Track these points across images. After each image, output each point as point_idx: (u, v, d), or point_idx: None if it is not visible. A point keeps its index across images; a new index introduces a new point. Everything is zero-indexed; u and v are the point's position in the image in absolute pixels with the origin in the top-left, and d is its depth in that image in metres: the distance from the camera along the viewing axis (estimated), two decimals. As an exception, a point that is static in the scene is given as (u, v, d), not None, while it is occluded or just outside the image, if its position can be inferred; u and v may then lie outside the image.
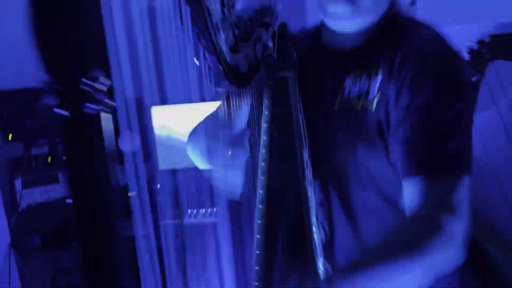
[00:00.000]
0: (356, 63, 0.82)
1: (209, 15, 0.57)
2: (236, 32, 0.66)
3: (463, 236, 0.67)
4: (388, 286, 0.64)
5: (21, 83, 2.32)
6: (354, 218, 0.84)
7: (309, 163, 0.80)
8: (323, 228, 0.84)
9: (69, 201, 1.91)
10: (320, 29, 0.90)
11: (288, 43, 0.86)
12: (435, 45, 0.77)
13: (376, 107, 0.77)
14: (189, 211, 2.01)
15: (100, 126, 0.42)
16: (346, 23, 0.80)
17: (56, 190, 2.22)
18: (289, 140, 0.81)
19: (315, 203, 0.79)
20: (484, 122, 1.88)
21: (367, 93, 0.78)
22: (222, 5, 0.61)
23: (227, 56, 0.64)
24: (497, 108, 1.88)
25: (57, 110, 0.41)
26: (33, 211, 2.11)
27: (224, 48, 0.62)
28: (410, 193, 0.71)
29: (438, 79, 0.74)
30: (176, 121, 2.02)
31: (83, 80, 0.39)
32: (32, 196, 2.15)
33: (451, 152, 0.71)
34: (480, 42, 1.75)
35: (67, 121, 0.41)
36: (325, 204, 0.84)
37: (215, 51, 0.60)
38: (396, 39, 0.80)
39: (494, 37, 1.74)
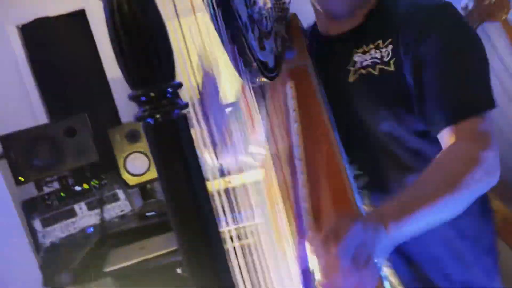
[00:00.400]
0: (361, 39, 0.86)
1: (239, 16, 0.60)
2: (260, 29, 0.68)
3: (497, 163, 0.73)
4: (432, 220, 0.68)
5: (20, 125, 2.35)
6: (389, 191, 0.87)
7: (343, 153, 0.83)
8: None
9: (89, 230, 1.90)
10: (315, 25, 0.96)
11: (300, 33, 0.89)
12: (437, 1, 0.83)
13: (395, 67, 0.81)
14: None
15: (189, 130, 0.45)
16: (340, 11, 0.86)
17: (75, 223, 2.23)
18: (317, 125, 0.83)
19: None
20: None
21: (382, 58, 0.83)
22: (246, 5, 0.64)
23: (258, 53, 0.67)
24: (492, 69, 1.93)
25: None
26: (58, 248, 2.12)
27: (255, 45, 0.65)
28: (444, 140, 0.76)
29: (447, 30, 0.79)
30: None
31: (171, 88, 0.42)
32: (53, 233, 2.16)
33: (473, 94, 0.77)
34: (465, 8, 1.80)
35: (155, 127, 0.44)
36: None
37: (249, 50, 0.63)
38: (392, 10, 0.85)
39: (477, 1, 1.79)
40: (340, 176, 0.75)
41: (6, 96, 2.83)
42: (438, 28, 0.79)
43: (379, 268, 0.60)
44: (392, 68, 0.82)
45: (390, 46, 0.83)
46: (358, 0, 0.87)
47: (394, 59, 0.82)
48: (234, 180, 0.68)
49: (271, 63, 0.72)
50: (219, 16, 0.58)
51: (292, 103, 0.84)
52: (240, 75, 0.68)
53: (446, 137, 0.76)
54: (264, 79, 0.70)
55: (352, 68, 0.86)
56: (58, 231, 2.17)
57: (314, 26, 0.98)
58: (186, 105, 0.44)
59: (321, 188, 0.72)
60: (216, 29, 0.60)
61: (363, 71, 0.85)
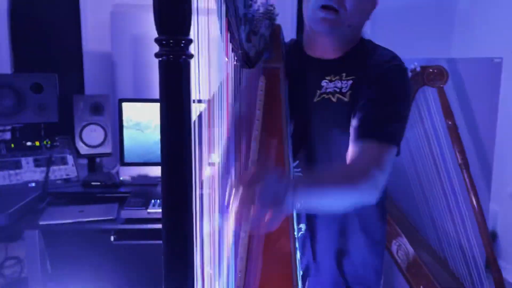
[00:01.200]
0: (331, 70, 1.12)
1: (237, 10, 0.81)
2: (250, 27, 0.90)
3: (382, 185, 0.97)
4: (325, 201, 0.91)
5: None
6: None
7: (289, 139, 1.06)
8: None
9: (31, 185, 1.98)
10: (302, 41, 1.19)
11: (280, 42, 1.12)
12: (395, 62, 1.09)
13: (349, 98, 1.07)
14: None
15: (189, 73, 0.63)
16: (331, 29, 1.06)
17: (19, 175, 2.28)
18: (276, 118, 1.05)
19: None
20: (412, 137, 2.27)
21: (341, 89, 1.08)
22: (244, 5, 0.86)
23: (244, 43, 0.88)
24: (423, 125, 2.27)
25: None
26: (-2, 192, 2.15)
27: (243, 36, 0.87)
28: (356, 150, 1.01)
29: (394, 85, 1.06)
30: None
31: (184, 41, 0.61)
32: (-5, 179, 2.19)
33: (390, 130, 1.03)
34: (413, 71, 2.13)
35: (167, 63, 0.63)
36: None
37: (238, 38, 0.84)
38: (363, 55, 1.11)
39: (423, 67, 2.13)
40: (282, 159, 0.97)
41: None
42: (388, 84, 1.06)
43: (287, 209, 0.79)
44: (347, 99, 1.07)
45: (351, 82, 1.08)
46: (343, 45, 1.12)
47: (350, 92, 1.07)
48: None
49: (251, 54, 0.93)
50: (223, 7, 0.78)
51: (260, 94, 1.05)
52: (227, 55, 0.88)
53: (357, 146, 1.01)
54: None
55: (318, 91, 1.11)
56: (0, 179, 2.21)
57: (298, 41, 1.21)
58: (191, 55, 0.62)
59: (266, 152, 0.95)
60: (218, 17, 0.80)
61: (325, 96, 1.10)
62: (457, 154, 2.20)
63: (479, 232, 2.18)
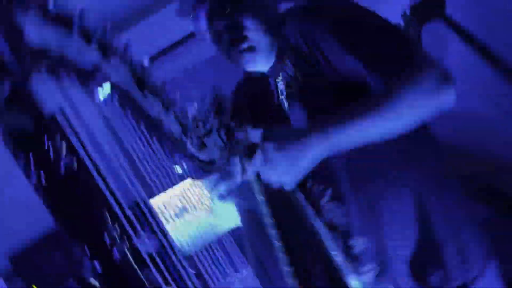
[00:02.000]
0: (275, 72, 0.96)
1: (171, 135, 0.63)
2: (198, 133, 0.72)
3: (443, 78, 0.76)
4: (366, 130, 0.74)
5: None
6: None
7: None
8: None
9: None
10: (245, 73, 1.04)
11: (243, 112, 0.94)
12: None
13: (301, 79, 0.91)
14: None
15: None
16: (259, 65, 0.94)
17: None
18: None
19: None
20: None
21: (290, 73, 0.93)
22: (179, 123, 0.67)
23: (199, 155, 0.69)
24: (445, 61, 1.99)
25: None
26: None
27: (194, 151, 0.68)
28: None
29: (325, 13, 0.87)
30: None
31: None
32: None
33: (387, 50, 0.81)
34: (404, 16, 1.88)
35: None
36: None
37: (190, 157, 0.66)
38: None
39: (413, 7, 1.87)
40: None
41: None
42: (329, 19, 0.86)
43: None
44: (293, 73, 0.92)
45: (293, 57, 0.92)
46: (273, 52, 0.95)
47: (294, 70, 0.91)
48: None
49: (216, 155, 0.74)
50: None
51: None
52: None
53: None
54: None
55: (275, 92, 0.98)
56: None
57: (242, 79, 1.07)
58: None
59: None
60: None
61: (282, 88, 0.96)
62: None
63: None
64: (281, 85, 0.96)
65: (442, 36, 2.04)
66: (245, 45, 0.89)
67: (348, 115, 0.75)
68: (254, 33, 0.89)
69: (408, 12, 1.89)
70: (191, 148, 0.67)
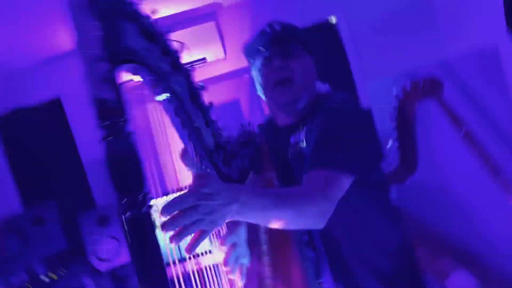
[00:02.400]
0: (296, 128, 1.18)
1: (205, 145, 0.76)
2: (225, 152, 0.87)
3: (328, 213, 0.96)
4: (268, 218, 0.88)
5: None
6: None
7: None
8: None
9: None
10: (271, 119, 1.29)
11: (267, 154, 1.09)
12: (339, 98, 1.17)
13: (307, 144, 1.13)
14: None
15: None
16: (291, 97, 1.16)
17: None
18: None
19: None
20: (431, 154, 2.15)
21: (300, 138, 1.16)
22: (212, 134, 0.81)
23: (221, 168, 0.81)
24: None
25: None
26: None
27: (219, 163, 0.79)
28: (304, 179, 1.03)
29: (339, 115, 1.11)
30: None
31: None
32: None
33: (340, 157, 1.02)
34: (404, 90, 2.04)
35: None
36: None
37: (215, 166, 0.78)
38: (319, 107, 1.16)
39: (413, 83, 2.04)
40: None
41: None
42: (335, 115, 1.11)
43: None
44: (304, 145, 1.14)
45: (306, 129, 1.15)
46: (302, 105, 1.18)
47: (305, 137, 1.14)
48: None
49: (235, 176, 0.88)
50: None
51: None
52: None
53: (309, 175, 1.02)
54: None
55: (289, 147, 1.18)
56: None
57: (272, 119, 1.30)
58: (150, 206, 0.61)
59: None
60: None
61: (292, 148, 1.17)
62: (481, 160, 2.07)
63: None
64: (293, 141, 1.17)
65: (434, 116, 2.21)
66: (287, 86, 1.13)
67: (269, 197, 0.88)
68: (297, 75, 1.13)
69: (408, 88, 2.05)
70: (217, 161, 0.79)
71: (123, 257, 2.50)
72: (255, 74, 1.20)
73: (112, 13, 0.55)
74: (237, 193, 0.77)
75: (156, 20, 0.65)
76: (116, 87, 0.53)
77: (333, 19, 3.43)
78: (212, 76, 3.18)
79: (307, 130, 1.13)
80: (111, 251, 2.48)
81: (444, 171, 2.38)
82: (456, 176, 2.33)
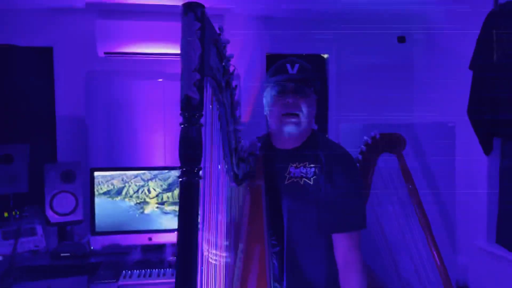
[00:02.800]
0: (296, 158, 1.40)
1: (229, 148, 0.97)
2: (239, 156, 1.10)
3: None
4: None
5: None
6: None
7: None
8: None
9: None
10: (269, 136, 1.48)
11: (261, 165, 1.38)
12: (343, 151, 1.40)
13: (313, 182, 1.35)
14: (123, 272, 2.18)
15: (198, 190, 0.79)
16: (296, 128, 1.37)
17: None
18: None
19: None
20: (377, 202, 2.44)
21: (306, 174, 1.36)
22: (235, 142, 1.05)
23: (235, 168, 1.02)
24: (386, 190, 2.45)
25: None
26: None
27: (234, 164, 1.01)
28: (337, 243, 1.34)
29: (348, 171, 1.36)
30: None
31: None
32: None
33: (357, 217, 1.34)
34: (373, 138, 2.31)
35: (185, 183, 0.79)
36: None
37: (231, 165, 0.99)
38: (316, 145, 1.40)
39: (382, 135, 2.31)
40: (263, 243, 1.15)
41: None
42: (344, 170, 1.35)
43: None
44: (311, 183, 1.35)
45: (313, 169, 1.37)
46: (301, 137, 1.42)
47: (314, 177, 1.36)
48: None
49: (240, 176, 1.12)
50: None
51: (247, 206, 1.24)
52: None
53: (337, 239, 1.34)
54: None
55: (287, 176, 1.38)
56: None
57: (268, 137, 1.49)
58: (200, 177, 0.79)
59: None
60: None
61: (294, 179, 1.37)
62: (419, 215, 2.37)
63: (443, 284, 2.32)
64: (295, 170, 1.38)
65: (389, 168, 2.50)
66: (295, 119, 1.35)
67: None
68: (303, 112, 1.35)
69: (377, 137, 2.32)
70: (233, 161, 1.01)
71: (76, 215, 2.59)
72: (268, 97, 1.38)
73: (209, 38, 0.76)
74: None
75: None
76: (201, 91, 0.72)
77: (325, 55, 3.74)
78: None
79: (317, 171, 1.35)
80: (67, 207, 2.57)
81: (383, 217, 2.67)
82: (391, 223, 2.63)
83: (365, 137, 2.34)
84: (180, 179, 0.75)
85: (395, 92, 3.62)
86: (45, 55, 3.20)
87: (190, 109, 0.71)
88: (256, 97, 3.53)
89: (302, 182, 1.35)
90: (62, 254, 2.34)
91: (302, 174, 1.35)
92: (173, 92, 3.18)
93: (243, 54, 3.50)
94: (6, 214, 2.40)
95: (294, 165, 1.37)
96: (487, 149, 2.79)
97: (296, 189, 1.35)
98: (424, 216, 2.39)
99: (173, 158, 3.22)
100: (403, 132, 2.49)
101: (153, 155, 3.14)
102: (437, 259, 2.34)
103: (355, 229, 1.33)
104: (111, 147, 2.93)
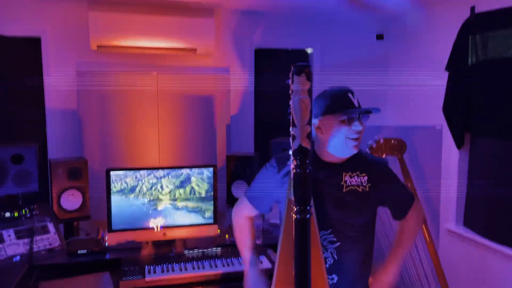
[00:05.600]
0: (347, 169, 1.67)
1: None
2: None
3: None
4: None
5: None
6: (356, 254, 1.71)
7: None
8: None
9: (16, 259, 2.05)
10: (315, 152, 1.70)
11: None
12: (385, 163, 1.76)
13: (369, 189, 1.67)
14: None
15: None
16: (356, 150, 1.64)
17: (2, 250, 2.27)
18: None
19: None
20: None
21: (362, 183, 1.67)
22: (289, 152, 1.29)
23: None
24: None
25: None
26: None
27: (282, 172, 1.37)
28: (403, 220, 1.85)
29: (389, 175, 1.76)
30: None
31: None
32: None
33: (408, 198, 1.75)
34: (377, 142, 2.59)
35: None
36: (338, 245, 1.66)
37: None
38: (360, 157, 1.70)
39: (386, 140, 2.59)
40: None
41: None
42: (388, 178, 1.76)
43: None
44: (367, 190, 1.67)
45: (366, 178, 1.68)
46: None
47: (369, 185, 1.68)
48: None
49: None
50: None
51: None
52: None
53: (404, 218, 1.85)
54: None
55: (344, 184, 1.65)
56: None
57: (316, 152, 1.68)
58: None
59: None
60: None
61: (352, 187, 1.66)
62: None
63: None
64: (350, 179, 1.65)
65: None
66: (358, 142, 1.61)
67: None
68: (361, 138, 1.61)
69: (381, 141, 2.60)
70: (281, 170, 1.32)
71: (83, 212, 2.66)
72: (332, 123, 1.54)
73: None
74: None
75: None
76: (312, 146, 0.93)
77: (309, 50, 3.95)
78: (197, 66, 3.46)
79: (370, 180, 1.65)
80: (74, 203, 2.63)
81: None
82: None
83: (370, 141, 2.61)
84: (295, 216, 0.95)
85: (372, 86, 3.92)
86: (33, 45, 3.13)
87: (303, 157, 0.90)
88: (244, 91, 3.69)
89: (360, 189, 1.65)
90: (79, 252, 2.41)
91: (358, 182, 1.65)
92: (166, 85, 3.27)
93: (233, 48, 3.63)
94: (16, 214, 2.42)
95: (348, 174, 1.65)
96: (459, 143, 3.16)
97: (354, 196, 1.64)
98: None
99: (167, 153, 3.33)
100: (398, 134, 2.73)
101: (148, 147, 3.23)
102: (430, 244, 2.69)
103: (414, 200, 1.84)
104: (103, 140, 2.97)
